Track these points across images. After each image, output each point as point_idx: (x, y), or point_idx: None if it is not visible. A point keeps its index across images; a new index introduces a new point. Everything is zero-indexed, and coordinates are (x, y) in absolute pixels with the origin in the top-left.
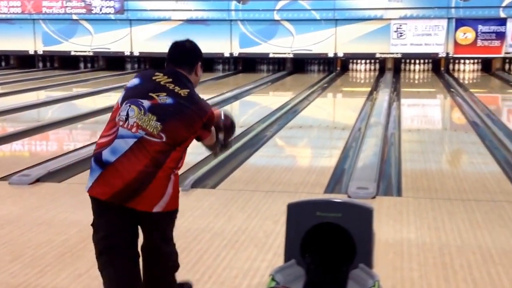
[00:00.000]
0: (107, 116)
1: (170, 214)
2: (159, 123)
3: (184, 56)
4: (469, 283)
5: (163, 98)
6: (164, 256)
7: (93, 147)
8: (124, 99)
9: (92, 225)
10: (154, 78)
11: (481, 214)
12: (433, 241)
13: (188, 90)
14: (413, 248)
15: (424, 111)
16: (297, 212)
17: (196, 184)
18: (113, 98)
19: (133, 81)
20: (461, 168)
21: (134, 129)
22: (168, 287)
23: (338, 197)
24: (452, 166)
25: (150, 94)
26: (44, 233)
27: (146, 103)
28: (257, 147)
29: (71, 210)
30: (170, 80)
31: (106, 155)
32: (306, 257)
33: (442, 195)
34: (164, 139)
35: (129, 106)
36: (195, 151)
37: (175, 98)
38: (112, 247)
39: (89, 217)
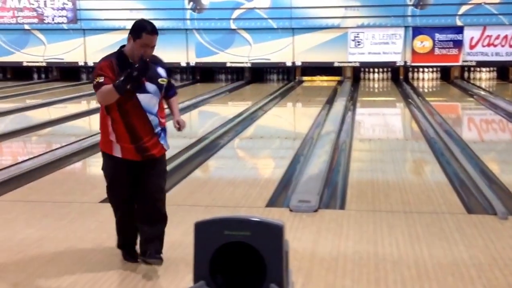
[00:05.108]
0: (63, 126)
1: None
2: None
3: None
4: None
5: None
6: None
7: None
8: None
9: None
10: None
11: (422, 227)
12: (370, 256)
13: None
14: (349, 264)
15: (378, 120)
16: (204, 231)
17: None
18: (69, 109)
19: None
20: (407, 179)
21: None
22: None
23: (251, 215)
24: (399, 177)
25: None
26: None
27: None
28: (205, 158)
29: None
30: None
31: None
32: (217, 278)
33: (385, 207)
34: None
35: None
36: None
37: None
38: None
39: None
